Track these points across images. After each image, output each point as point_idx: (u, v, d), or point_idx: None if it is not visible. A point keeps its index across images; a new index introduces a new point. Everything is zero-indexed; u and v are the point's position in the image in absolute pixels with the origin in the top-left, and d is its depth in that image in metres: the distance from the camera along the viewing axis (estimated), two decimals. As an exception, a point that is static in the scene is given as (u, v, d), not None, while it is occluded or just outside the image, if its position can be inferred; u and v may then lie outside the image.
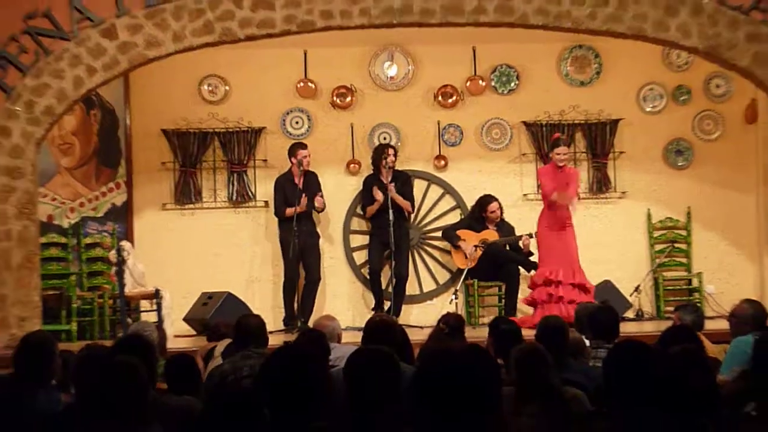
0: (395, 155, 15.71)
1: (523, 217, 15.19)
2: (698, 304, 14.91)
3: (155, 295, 15.01)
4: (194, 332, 15.18)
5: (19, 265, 13.41)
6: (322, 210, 15.85)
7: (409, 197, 15.93)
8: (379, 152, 15.79)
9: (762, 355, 6.53)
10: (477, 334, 12.72)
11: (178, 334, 14.70)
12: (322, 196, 15.66)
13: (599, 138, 16.93)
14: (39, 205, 14.17)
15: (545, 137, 16.61)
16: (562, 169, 14.66)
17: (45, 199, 15.54)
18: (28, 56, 13.48)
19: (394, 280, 15.64)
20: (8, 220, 13.41)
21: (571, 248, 14.65)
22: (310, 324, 12.83)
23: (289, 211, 15.40)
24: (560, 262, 14.49)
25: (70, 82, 13.55)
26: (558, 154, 14.66)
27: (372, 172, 15.90)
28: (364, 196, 16.04)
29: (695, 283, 16.65)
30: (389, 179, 15.51)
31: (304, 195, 15.44)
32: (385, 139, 16.48)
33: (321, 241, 16.08)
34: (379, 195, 15.45)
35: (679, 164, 17.02)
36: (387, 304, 15.70)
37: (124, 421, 5.78)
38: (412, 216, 16.43)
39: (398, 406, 5.38)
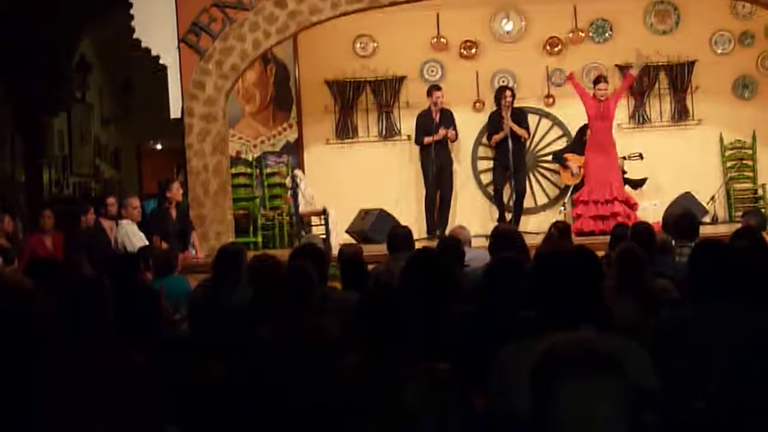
0: (513, 96, 15.53)
1: (618, 142, 14.93)
2: (762, 210, 14.69)
3: (323, 213, 15.10)
4: (355, 241, 15.24)
5: (215, 191, 13.61)
6: (455, 140, 15.78)
7: (525, 127, 15.76)
8: (500, 93, 15.63)
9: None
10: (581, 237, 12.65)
11: (343, 243, 14.77)
12: (455, 129, 15.60)
13: (679, 76, 16.68)
14: (229, 143, 14.32)
15: (635, 77, 16.40)
16: (604, 102, 14.34)
17: (233, 138, 15.69)
18: (217, 24, 13.59)
19: (514, 196, 15.55)
20: (206, 156, 13.60)
21: (612, 167, 14.38)
22: (447, 232, 12.81)
23: (427, 139, 15.37)
24: (600, 181, 14.20)
25: (250, 44, 13.64)
26: (599, 89, 14.38)
27: (495, 109, 15.74)
28: (490, 127, 15.90)
29: (760, 192, 16.39)
30: (509, 115, 15.38)
31: (442, 127, 15.41)
32: (503, 82, 16.36)
33: (454, 165, 16.01)
34: (505, 125, 15.29)
35: (746, 96, 16.71)
36: (508, 216, 15.65)
37: (300, 310, 5.84)
38: (528, 143, 16.28)
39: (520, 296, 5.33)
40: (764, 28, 16.59)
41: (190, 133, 13.63)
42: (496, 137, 15.55)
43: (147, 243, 12.25)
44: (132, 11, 13.61)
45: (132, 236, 12.57)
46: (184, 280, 9.60)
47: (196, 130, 13.61)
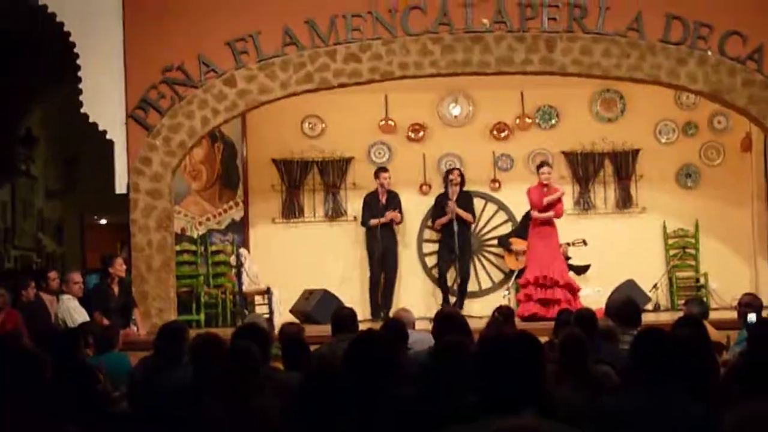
0: (460, 175, 15.65)
1: (562, 228, 15.03)
2: (704, 298, 14.79)
3: (267, 292, 15.06)
4: (298, 321, 15.16)
5: (158, 267, 13.53)
6: (400, 222, 15.87)
7: (470, 211, 15.83)
8: (448, 173, 15.77)
9: (756, 337, 6.42)
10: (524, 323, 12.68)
11: (285, 323, 14.70)
12: (400, 211, 15.70)
13: (623, 164, 16.84)
14: (174, 220, 14.27)
15: (580, 164, 16.67)
16: (548, 187, 14.48)
17: (179, 215, 15.61)
18: (165, 101, 13.61)
19: (458, 279, 15.59)
20: (150, 232, 13.54)
21: (554, 253, 14.47)
22: (391, 314, 12.80)
23: (374, 222, 15.48)
24: (543, 266, 14.27)
25: (199, 122, 13.66)
26: (543, 173, 14.52)
27: (443, 191, 15.83)
28: (435, 211, 15.97)
29: (702, 281, 16.50)
30: (455, 197, 15.47)
31: (389, 210, 15.51)
32: (450, 165, 16.43)
33: (399, 247, 16.05)
34: (449, 208, 15.37)
35: (689, 185, 16.89)
36: (452, 299, 15.65)
37: (241, 391, 5.79)
38: (473, 227, 16.32)
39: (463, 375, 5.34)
40: (707, 118, 16.82)
41: (135, 209, 13.58)
42: (441, 221, 15.64)
43: (88, 319, 12.15)
44: (80, 86, 13.58)
45: (73, 311, 12.47)
46: (125, 357, 9.53)
47: (141, 205, 13.56)
